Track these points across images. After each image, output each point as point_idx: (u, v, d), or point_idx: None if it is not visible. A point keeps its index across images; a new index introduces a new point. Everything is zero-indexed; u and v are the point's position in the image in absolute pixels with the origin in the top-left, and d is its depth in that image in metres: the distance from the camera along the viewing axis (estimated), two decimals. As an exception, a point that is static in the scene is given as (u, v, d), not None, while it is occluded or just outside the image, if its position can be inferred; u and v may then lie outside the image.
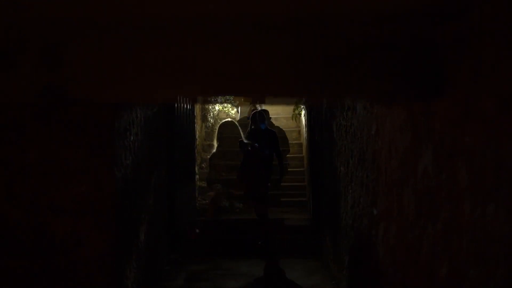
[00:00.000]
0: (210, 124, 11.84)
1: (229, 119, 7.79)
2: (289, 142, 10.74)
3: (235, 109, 12.51)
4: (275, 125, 10.98)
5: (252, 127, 8.06)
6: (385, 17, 2.31)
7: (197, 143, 10.25)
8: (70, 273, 3.87)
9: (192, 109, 8.82)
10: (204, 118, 11.68)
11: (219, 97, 10.75)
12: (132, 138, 4.78)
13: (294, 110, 9.93)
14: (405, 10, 2.19)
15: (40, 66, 2.58)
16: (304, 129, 11.13)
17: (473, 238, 2.13)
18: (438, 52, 2.47)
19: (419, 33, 2.51)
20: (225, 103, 11.91)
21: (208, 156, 10.66)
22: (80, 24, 2.47)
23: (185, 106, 8.07)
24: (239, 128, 10.45)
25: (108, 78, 2.61)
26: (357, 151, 4.54)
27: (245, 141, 7.43)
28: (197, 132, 10.10)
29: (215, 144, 10.70)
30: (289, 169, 10.30)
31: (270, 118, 10.24)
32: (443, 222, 2.45)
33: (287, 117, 11.28)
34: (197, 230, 6.51)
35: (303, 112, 10.28)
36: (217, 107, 12.21)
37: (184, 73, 2.54)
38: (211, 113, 11.93)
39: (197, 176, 9.78)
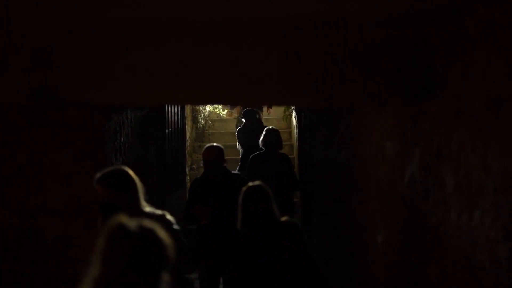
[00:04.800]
0: (201, 126, 11.82)
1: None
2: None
3: (226, 110, 12.50)
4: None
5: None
6: (377, 20, 2.33)
7: (188, 144, 10.24)
8: (61, 275, 3.86)
9: (183, 110, 8.81)
10: (195, 119, 11.66)
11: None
12: (122, 139, 4.78)
13: (285, 111, 9.95)
14: (397, 13, 2.21)
15: (31, 68, 2.58)
16: (295, 130, 11.16)
17: (460, 243, 2.15)
18: (430, 54, 2.49)
19: (410, 36, 2.53)
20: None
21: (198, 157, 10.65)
22: (71, 27, 2.47)
23: (176, 107, 8.06)
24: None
25: (98, 80, 2.61)
26: (346, 157, 4.56)
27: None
28: (187, 133, 10.08)
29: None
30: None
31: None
32: (430, 227, 2.47)
33: (278, 118, 11.30)
34: None
35: (293, 113, 10.31)
36: (208, 108, 12.20)
37: (173, 78, 2.55)
38: (202, 114, 11.91)
39: (188, 178, 9.77)
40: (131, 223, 1.82)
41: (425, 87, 2.50)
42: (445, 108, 2.32)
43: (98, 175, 3.19)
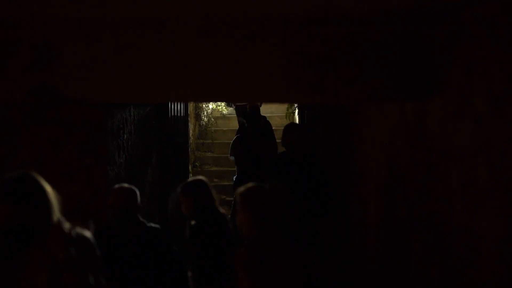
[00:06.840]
0: (204, 123, 11.82)
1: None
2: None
3: (230, 108, 12.49)
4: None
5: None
6: (378, 17, 2.32)
7: (191, 141, 10.24)
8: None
9: (186, 108, 8.81)
10: (198, 117, 11.66)
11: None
12: (125, 136, 4.77)
13: (287, 109, 9.94)
14: (400, 10, 2.19)
15: (32, 65, 2.57)
16: (297, 128, 11.12)
17: (465, 239, 2.13)
18: (432, 52, 2.48)
19: (413, 33, 2.52)
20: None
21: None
22: (72, 24, 2.46)
23: (179, 104, 8.05)
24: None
25: (100, 78, 2.60)
26: (348, 155, 4.55)
27: None
28: (190, 131, 10.08)
29: None
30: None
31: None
32: (435, 224, 2.46)
33: (281, 115, 11.28)
34: None
35: (296, 111, 10.30)
36: (211, 105, 12.19)
37: (175, 75, 2.54)
38: (205, 112, 11.92)
39: (190, 175, 9.77)
40: None
41: (428, 84, 2.48)
42: (447, 105, 2.31)
43: None
